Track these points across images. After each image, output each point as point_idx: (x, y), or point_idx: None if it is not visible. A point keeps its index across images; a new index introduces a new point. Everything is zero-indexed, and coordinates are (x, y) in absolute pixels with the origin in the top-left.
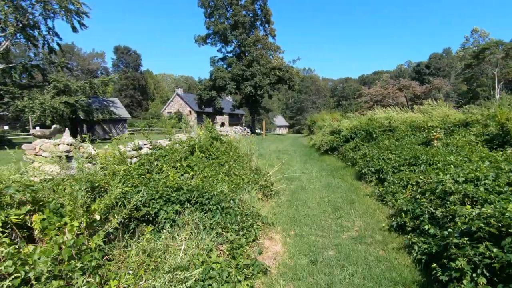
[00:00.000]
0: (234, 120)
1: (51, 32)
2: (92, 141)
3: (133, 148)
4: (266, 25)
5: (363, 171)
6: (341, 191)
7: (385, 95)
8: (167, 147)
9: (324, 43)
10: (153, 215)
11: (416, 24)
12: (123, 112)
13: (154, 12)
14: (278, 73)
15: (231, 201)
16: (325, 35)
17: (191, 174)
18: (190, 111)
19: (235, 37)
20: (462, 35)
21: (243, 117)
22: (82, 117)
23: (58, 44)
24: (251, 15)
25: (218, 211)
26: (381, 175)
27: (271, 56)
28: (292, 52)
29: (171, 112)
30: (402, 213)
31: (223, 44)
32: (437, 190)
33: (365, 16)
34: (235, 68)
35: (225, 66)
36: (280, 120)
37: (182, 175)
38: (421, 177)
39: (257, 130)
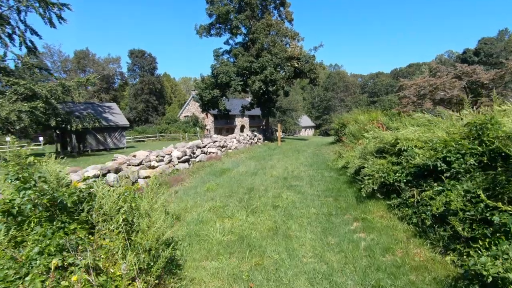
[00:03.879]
0: (255, 122)
1: (26, 29)
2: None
3: None
4: (281, 8)
5: None
6: None
7: (438, 85)
8: None
9: (351, 36)
10: None
11: (456, 10)
12: (120, 119)
13: (175, 17)
14: (296, 64)
15: None
16: (351, 29)
17: None
18: (206, 114)
19: (240, 21)
20: None
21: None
22: (69, 127)
23: (31, 42)
24: None
25: None
26: None
27: (287, 45)
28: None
29: (187, 116)
30: None
31: (230, 35)
32: None
33: (396, 5)
34: (241, 59)
35: (231, 59)
36: (305, 120)
37: None
38: None
39: (282, 134)
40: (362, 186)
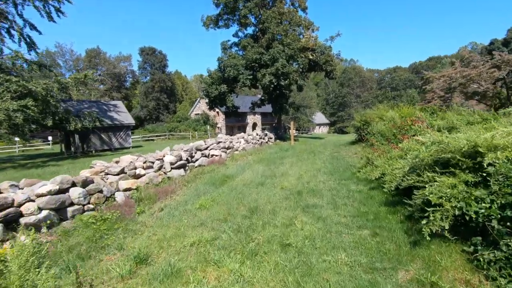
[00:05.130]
0: (268, 120)
1: (26, 25)
2: None
3: None
4: None
5: None
6: None
7: (473, 76)
8: None
9: (367, 29)
10: None
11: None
12: (126, 117)
13: (187, 15)
14: (310, 56)
15: None
16: (366, 22)
17: None
18: (217, 112)
19: (249, 9)
20: None
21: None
22: (68, 127)
23: (29, 37)
24: None
25: None
26: None
27: (301, 36)
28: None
29: (198, 114)
30: None
31: (239, 26)
32: None
33: None
34: (250, 51)
35: (240, 52)
36: (319, 117)
37: None
38: None
39: (295, 132)
40: (424, 222)
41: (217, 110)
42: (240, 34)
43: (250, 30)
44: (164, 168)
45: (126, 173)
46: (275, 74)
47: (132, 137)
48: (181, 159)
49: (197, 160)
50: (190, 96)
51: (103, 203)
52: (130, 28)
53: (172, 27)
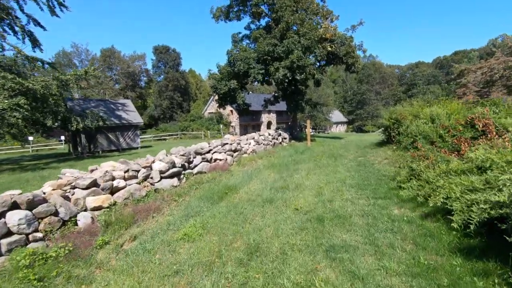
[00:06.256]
0: (283, 118)
1: (29, 20)
2: None
3: None
4: None
5: None
6: None
7: None
8: None
9: (386, 23)
10: None
11: None
12: (134, 117)
13: (202, 13)
14: (329, 48)
15: None
16: (386, 15)
17: None
18: (231, 111)
19: None
20: None
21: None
22: (71, 127)
23: (31, 33)
24: None
25: None
26: None
27: (318, 26)
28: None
29: (212, 112)
30: None
31: (251, 18)
32: None
33: None
34: (262, 43)
35: (251, 46)
36: (337, 116)
37: None
38: None
39: (311, 131)
40: None
41: (230, 108)
42: (252, 26)
43: (263, 22)
44: (152, 178)
45: (99, 185)
46: (289, 68)
47: (143, 136)
48: (174, 166)
49: (196, 166)
50: (204, 95)
51: (58, 229)
52: (144, 27)
53: (187, 25)
